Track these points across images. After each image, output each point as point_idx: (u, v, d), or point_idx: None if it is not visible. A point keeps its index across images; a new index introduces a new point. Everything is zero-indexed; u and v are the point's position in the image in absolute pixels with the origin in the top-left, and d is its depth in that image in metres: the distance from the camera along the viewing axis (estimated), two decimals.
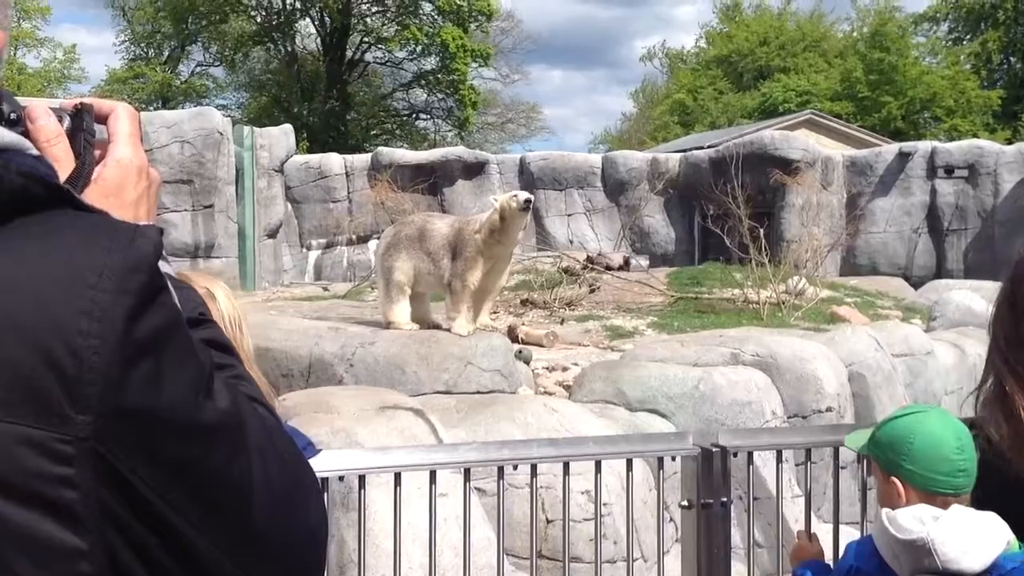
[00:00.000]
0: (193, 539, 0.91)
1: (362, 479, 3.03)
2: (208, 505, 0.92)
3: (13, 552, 0.81)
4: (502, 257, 9.04)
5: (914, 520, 2.26)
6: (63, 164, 1.06)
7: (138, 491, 0.86)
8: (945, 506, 2.30)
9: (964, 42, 47.75)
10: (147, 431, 0.86)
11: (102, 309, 0.84)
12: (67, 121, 1.15)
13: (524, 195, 8.91)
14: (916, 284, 19.20)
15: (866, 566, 2.37)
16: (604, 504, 3.82)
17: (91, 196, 0.99)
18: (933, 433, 2.40)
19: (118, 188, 1.14)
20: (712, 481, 3.43)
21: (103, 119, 1.19)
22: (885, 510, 2.36)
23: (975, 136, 32.55)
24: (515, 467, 3.43)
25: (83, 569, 0.84)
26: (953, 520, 2.24)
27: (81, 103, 1.18)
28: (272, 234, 22.03)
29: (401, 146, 36.49)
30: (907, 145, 23.96)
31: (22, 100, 1.15)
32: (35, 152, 0.92)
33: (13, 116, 1.05)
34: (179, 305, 0.95)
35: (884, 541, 2.32)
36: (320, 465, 2.87)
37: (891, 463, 2.43)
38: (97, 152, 1.16)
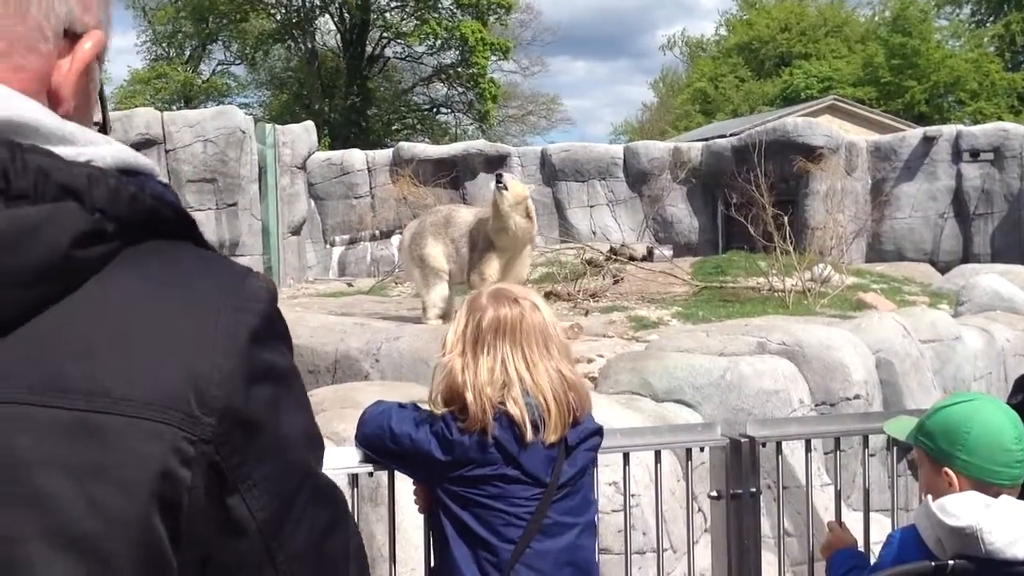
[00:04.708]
0: None
1: (392, 474, 3.04)
2: (301, 554, 0.96)
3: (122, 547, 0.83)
4: (516, 248, 9.07)
5: (965, 508, 2.23)
6: None
7: (235, 515, 0.89)
8: (996, 496, 2.26)
9: (987, 24, 47.26)
10: (262, 444, 0.90)
11: (228, 326, 0.89)
12: None
13: (497, 173, 9.08)
14: (943, 269, 19.05)
15: (910, 557, 2.35)
16: (632, 495, 3.81)
17: None
18: (991, 423, 2.31)
19: None
20: (741, 471, 3.42)
21: None
22: (933, 498, 2.31)
23: (1000, 119, 32.21)
24: None
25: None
26: (1004, 509, 2.21)
27: None
28: (296, 231, 22.09)
29: (422, 141, 36.50)
30: (931, 129, 23.72)
31: None
32: (163, 179, 0.96)
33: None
34: None
35: (927, 525, 2.30)
36: (349, 460, 2.88)
37: (944, 453, 2.35)
38: None
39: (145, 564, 0.83)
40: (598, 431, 2.76)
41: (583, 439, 2.67)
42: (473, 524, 2.56)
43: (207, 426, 0.85)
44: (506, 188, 8.92)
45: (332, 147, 31.91)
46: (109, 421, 0.82)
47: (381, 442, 2.71)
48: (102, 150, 0.89)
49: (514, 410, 2.55)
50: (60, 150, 0.86)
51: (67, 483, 0.80)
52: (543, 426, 2.57)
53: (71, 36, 0.95)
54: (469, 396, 2.56)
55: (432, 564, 2.83)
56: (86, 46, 0.96)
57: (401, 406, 2.74)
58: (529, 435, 2.54)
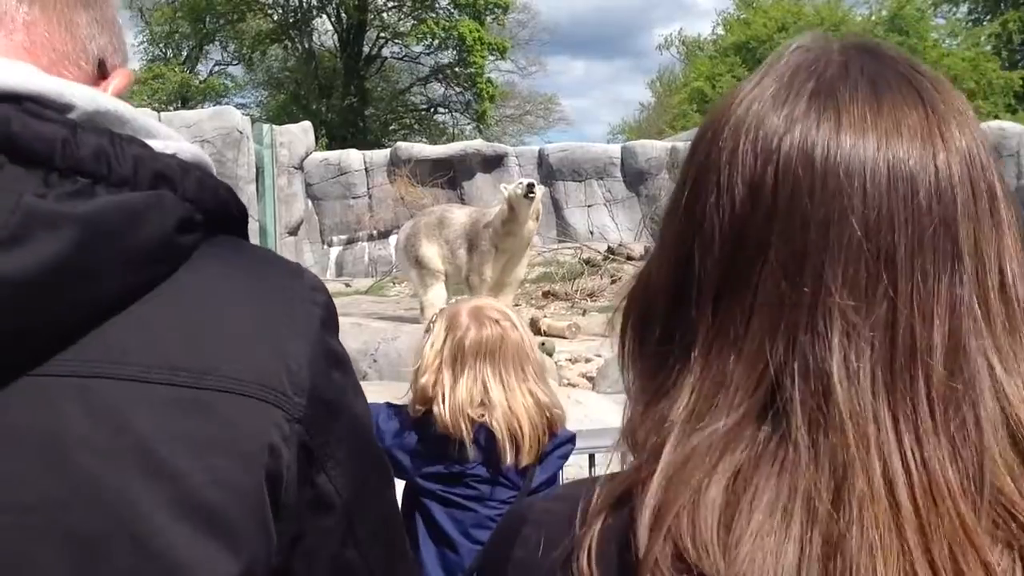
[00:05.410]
0: (351, 559, 0.98)
1: None
2: (375, 530, 1.01)
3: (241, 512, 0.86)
4: (519, 250, 9.07)
5: None
6: None
7: (322, 492, 0.93)
8: None
9: (984, 23, 47.29)
10: (341, 426, 0.95)
11: (303, 313, 0.95)
12: None
13: (527, 182, 8.99)
14: None
15: None
16: None
17: None
18: None
19: None
20: None
21: None
22: None
23: (997, 118, 32.22)
24: None
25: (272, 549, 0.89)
26: None
27: None
28: (293, 231, 22.10)
29: (420, 141, 36.47)
30: None
31: None
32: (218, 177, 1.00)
33: None
34: None
35: None
36: None
37: None
38: None
39: (260, 534, 0.86)
40: (571, 439, 2.81)
41: (556, 446, 2.74)
42: (445, 523, 2.61)
43: (299, 406, 0.89)
44: (534, 197, 8.89)
45: (329, 147, 31.85)
46: (219, 398, 0.85)
47: None
48: (183, 145, 0.95)
49: (495, 428, 2.60)
50: (149, 142, 0.91)
51: (189, 455, 0.83)
52: (519, 450, 2.62)
53: (103, 69, 1.03)
54: (447, 412, 2.60)
55: None
56: (116, 80, 1.03)
57: (389, 405, 2.78)
58: (508, 459, 2.59)
